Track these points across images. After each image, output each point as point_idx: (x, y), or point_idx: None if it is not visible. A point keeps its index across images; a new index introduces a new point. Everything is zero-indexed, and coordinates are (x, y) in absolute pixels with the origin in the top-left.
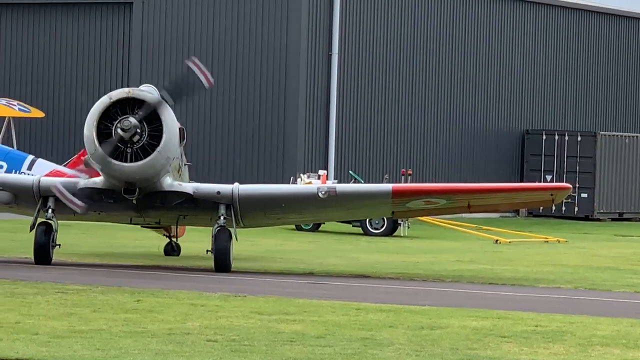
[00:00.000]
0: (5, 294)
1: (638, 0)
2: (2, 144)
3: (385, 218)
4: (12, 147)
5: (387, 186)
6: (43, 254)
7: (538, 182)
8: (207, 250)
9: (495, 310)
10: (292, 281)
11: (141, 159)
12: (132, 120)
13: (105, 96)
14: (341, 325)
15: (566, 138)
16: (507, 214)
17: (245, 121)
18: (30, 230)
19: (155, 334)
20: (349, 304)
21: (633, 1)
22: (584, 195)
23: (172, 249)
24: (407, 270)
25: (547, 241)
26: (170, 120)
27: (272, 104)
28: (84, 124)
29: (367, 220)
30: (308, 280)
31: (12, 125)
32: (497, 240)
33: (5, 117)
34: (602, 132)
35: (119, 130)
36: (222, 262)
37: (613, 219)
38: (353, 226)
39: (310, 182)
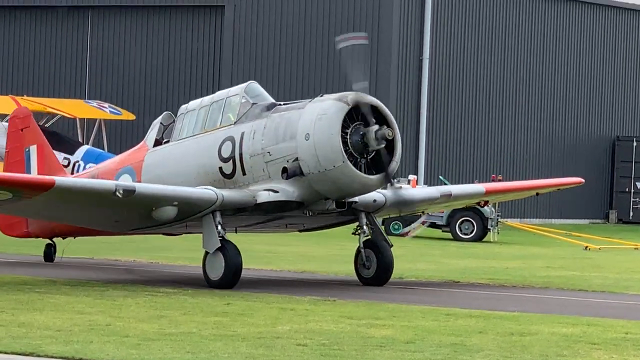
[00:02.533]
0: (96, 296)
1: None
2: (93, 146)
3: (475, 224)
4: (103, 149)
5: (480, 187)
6: None
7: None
8: (364, 264)
9: (585, 317)
10: (381, 286)
11: (373, 171)
12: (388, 130)
13: (337, 100)
14: (431, 330)
15: None
16: (597, 220)
17: None
18: (215, 251)
19: (245, 337)
20: (438, 309)
21: None
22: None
23: (53, 252)
24: (496, 276)
25: (637, 248)
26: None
27: None
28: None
29: (457, 225)
30: (399, 284)
31: (104, 127)
32: (587, 247)
33: (96, 120)
34: None
35: (371, 141)
36: (386, 277)
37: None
38: (443, 231)
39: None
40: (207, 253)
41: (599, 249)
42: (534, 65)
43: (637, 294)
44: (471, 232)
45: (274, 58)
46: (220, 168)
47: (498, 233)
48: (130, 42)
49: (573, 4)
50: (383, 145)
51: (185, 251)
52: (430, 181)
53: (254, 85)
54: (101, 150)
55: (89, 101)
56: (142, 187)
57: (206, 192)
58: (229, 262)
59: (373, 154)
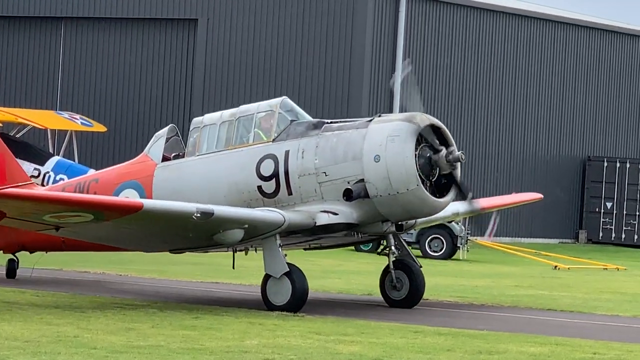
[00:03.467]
0: (65, 307)
1: None
2: (64, 157)
3: (444, 241)
4: (74, 160)
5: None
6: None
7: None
8: (395, 285)
9: (553, 336)
10: (350, 302)
11: (440, 194)
12: (461, 153)
13: (407, 121)
14: (399, 347)
15: (627, 165)
16: (567, 240)
17: None
18: (281, 276)
19: (213, 351)
20: (407, 327)
21: None
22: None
23: (16, 266)
24: (465, 294)
25: (606, 268)
26: None
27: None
28: (146, 139)
29: (427, 243)
30: (367, 301)
31: (75, 139)
32: (556, 267)
33: (67, 131)
34: None
35: (443, 164)
36: (417, 299)
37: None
38: (412, 249)
39: None
40: (268, 277)
41: (568, 268)
42: (506, 83)
43: (605, 314)
44: (441, 250)
45: (247, 70)
46: (260, 187)
47: (467, 251)
48: (102, 54)
49: (547, 24)
50: (454, 169)
51: (154, 264)
52: None
53: (288, 100)
54: (72, 162)
55: (61, 112)
56: (220, 210)
57: (273, 214)
58: (296, 288)
59: (437, 176)
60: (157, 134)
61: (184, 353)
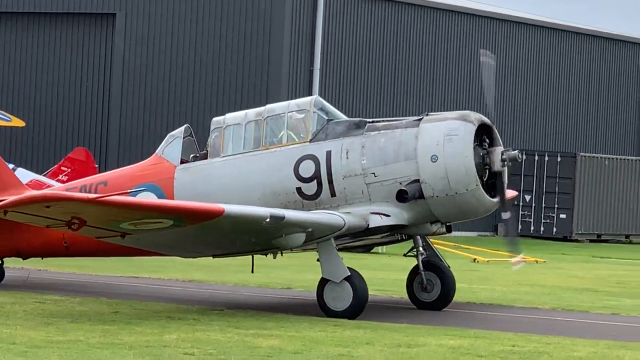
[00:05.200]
0: None
1: (620, 22)
2: None
3: None
4: None
5: None
6: None
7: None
8: (425, 287)
9: (472, 329)
10: (270, 296)
11: (489, 194)
12: (517, 152)
13: (464, 120)
14: (318, 341)
15: (546, 158)
16: (486, 233)
17: None
18: (341, 280)
19: (132, 346)
20: (326, 320)
21: (617, 24)
22: (563, 216)
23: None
24: (385, 288)
25: (525, 261)
26: None
27: None
28: (65, 135)
29: None
30: (286, 295)
31: None
32: (475, 259)
33: None
34: (582, 154)
35: (497, 163)
36: (448, 301)
37: (591, 240)
38: None
39: None
40: (326, 281)
41: (487, 261)
42: (425, 77)
43: (525, 307)
44: None
45: (166, 66)
46: (299, 189)
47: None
48: (18, 49)
49: (463, 17)
50: (506, 168)
51: (74, 259)
52: None
53: (320, 99)
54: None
55: None
56: (290, 213)
57: (334, 217)
58: (358, 293)
59: (487, 175)
60: (171, 134)
61: (103, 348)
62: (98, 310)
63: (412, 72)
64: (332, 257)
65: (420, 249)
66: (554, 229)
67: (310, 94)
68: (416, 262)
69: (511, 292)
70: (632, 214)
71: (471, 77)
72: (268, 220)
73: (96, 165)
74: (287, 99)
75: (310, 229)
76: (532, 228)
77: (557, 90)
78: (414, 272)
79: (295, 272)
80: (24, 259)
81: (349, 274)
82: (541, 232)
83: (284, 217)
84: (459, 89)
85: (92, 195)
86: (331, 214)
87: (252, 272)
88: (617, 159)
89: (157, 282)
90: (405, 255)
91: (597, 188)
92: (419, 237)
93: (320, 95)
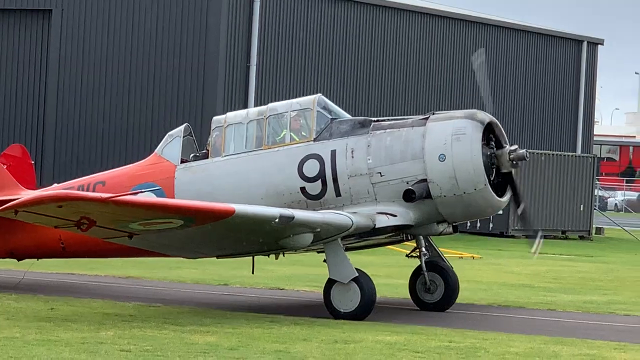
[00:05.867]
0: None
1: (556, 19)
2: None
3: None
4: None
5: None
6: None
7: None
8: (428, 288)
9: (409, 325)
10: (207, 292)
11: (497, 194)
12: (524, 151)
13: (470, 119)
14: (255, 337)
15: None
16: None
17: (163, 132)
18: (349, 281)
19: (68, 342)
20: (263, 316)
21: (544, 19)
22: (499, 212)
23: None
24: (321, 283)
25: (462, 257)
26: None
27: (189, 114)
28: (1, 130)
29: None
30: (223, 291)
31: None
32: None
33: None
34: None
35: (505, 162)
36: (452, 302)
37: (527, 236)
38: None
39: None
40: (333, 282)
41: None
42: (362, 72)
43: (461, 302)
44: None
45: (102, 63)
46: (303, 188)
47: None
48: None
49: (399, 12)
50: (515, 168)
51: None
52: None
53: (323, 97)
54: None
55: None
56: (299, 213)
57: (342, 217)
58: (365, 294)
59: (494, 175)
60: (170, 133)
61: (40, 345)
62: (34, 307)
63: (350, 67)
64: (339, 257)
65: (423, 249)
66: (491, 225)
67: (246, 90)
68: (419, 263)
69: None
70: (568, 209)
71: (406, 73)
72: (277, 220)
73: (32, 162)
74: (223, 94)
75: (318, 229)
76: (468, 224)
77: (493, 85)
78: (417, 273)
79: (230, 269)
80: (18, 260)
81: (357, 274)
82: (477, 228)
83: (293, 217)
84: (394, 84)
85: (106, 195)
86: (339, 213)
87: (253, 272)
88: (553, 154)
89: (94, 279)
90: (407, 256)
91: (533, 184)
92: (421, 238)
93: (256, 92)
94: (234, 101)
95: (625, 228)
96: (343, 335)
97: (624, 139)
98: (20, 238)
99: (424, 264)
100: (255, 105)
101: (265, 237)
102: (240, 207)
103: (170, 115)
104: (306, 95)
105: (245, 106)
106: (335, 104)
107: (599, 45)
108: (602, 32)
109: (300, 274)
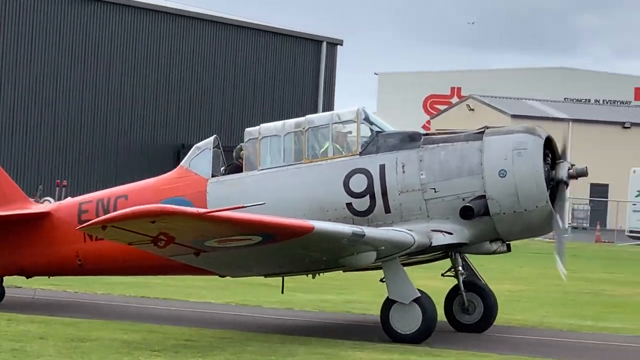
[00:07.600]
0: None
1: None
2: None
3: None
4: None
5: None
6: None
7: None
8: (466, 309)
9: (146, 324)
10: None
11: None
12: (585, 167)
13: (531, 134)
14: None
15: None
16: None
17: None
18: (410, 302)
19: None
20: (0, 315)
21: (291, 20)
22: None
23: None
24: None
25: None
26: None
27: None
28: None
29: None
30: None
31: None
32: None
33: None
34: None
35: (564, 178)
36: (490, 323)
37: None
38: None
39: None
40: (392, 302)
41: None
42: (95, 74)
43: (198, 301)
44: None
45: None
46: (350, 204)
47: None
48: None
49: (139, 12)
50: (567, 185)
51: None
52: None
53: (366, 110)
54: None
55: None
56: (370, 231)
57: (404, 235)
58: (427, 315)
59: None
60: (197, 145)
61: None
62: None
63: (91, 74)
64: (400, 276)
65: (460, 268)
66: None
67: None
68: (456, 282)
69: (185, 286)
70: None
71: (146, 79)
72: (350, 237)
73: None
74: None
75: (382, 247)
76: None
77: (241, 82)
78: (454, 293)
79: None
80: (27, 278)
81: (419, 295)
82: None
83: (364, 235)
84: (130, 91)
85: (203, 211)
86: (400, 231)
87: (282, 292)
88: None
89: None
90: (443, 275)
91: None
92: (458, 256)
93: None
94: None
95: None
96: (80, 334)
97: None
98: (31, 253)
99: (461, 284)
100: None
101: (329, 255)
102: (318, 224)
103: None
104: (34, 94)
105: None
106: (62, 104)
107: (338, 46)
108: (343, 34)
109: None
